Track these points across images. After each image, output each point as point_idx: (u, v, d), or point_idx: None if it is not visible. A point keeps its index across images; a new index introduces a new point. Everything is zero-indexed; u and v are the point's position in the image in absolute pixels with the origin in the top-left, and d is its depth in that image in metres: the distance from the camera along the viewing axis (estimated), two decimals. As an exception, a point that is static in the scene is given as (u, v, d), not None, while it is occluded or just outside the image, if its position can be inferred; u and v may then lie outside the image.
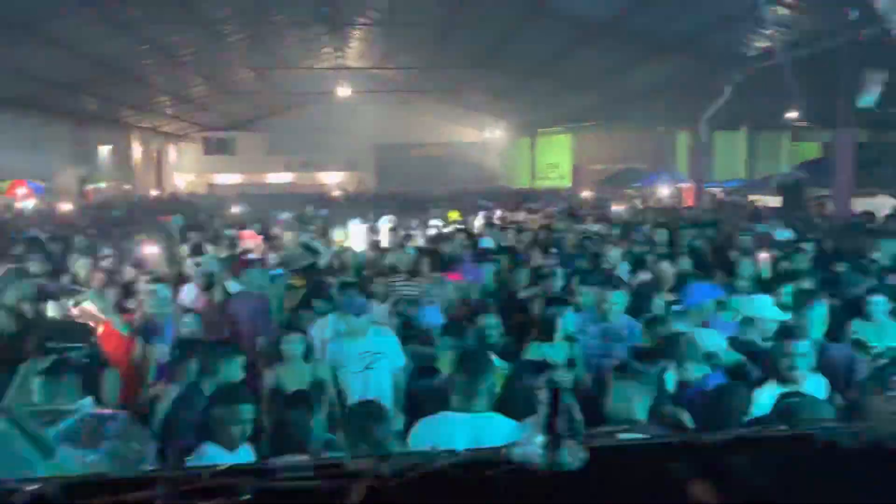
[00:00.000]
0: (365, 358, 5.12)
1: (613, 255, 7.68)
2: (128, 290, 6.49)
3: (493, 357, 4.78)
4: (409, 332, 5.89)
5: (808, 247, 8.15)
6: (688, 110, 21.87)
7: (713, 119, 21.20)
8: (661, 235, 9.12)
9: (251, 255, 8.00)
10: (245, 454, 3.29)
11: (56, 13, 16.00)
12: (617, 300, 5.50)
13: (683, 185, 23.81)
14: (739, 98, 20.13)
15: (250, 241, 10.47)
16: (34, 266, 7.53)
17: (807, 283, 6.00)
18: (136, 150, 33.88)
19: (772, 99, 22.62)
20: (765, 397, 3.39)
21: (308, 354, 5.19)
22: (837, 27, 14.05)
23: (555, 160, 37.68)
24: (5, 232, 12.06)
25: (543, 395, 1.00)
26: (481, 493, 0.98)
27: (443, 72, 27.77)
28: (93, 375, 4.40)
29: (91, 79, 22.07)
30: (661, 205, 21.05)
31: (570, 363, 5.12)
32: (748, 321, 5.61)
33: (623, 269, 7.01)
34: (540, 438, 0.99)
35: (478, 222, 13.80)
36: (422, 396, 4.23)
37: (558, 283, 6.65)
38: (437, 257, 8.19)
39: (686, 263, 7.31)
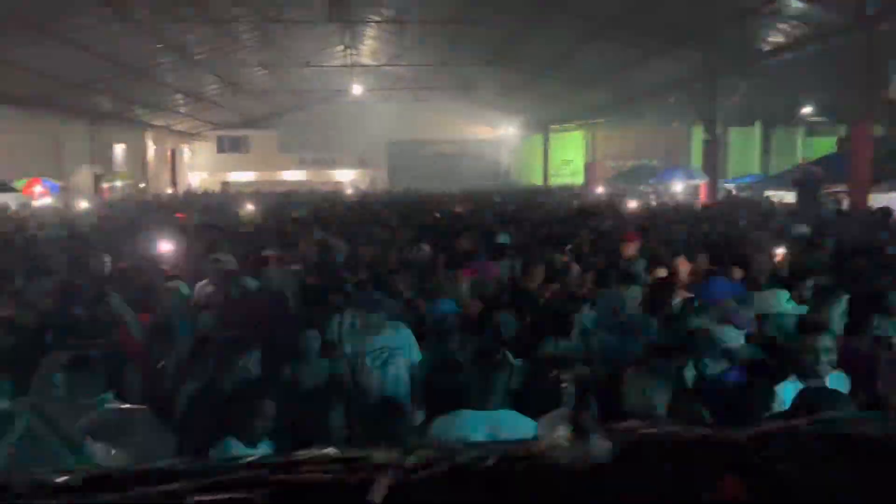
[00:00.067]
0: (381, 353, 5.12)
1: (630, 251, 7.64)
2: (146, 288, 6.52)
3: (509, 353, 4.78)
4: (424, 327, 5.88)
5: (828, 242, 8.08)
6: (702, 106, 21.73)
7: (727, 115, 21.07)
8: (677, 231, 9.07)
9: (268, 252, 8.02)
10: (265, 449, 3.31)
11: (72, 13, 16.12)
12: (633, 296, 5.48)
13: (698, 182, 23.66)
14: (754, 93, 20.01)
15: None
16: (55, 264, 7.60)
17: (827, 279, 5.95)
18: (151, 149, 34.11)
19: (787, 94, 22.49)
20: (786, 393, 3.36)
21: (325, 350, 5.21)
22: (853, 21, 13.90)
23: (568, 157, 37.60)
24: (25, 230, 12.18)
25: (570, 388, 1.00)
26: (507, 486, 0.98)
27: (455, 69, 27.75)
28: (113, 371, 4.44)
29: (106, 78, 22.25)
30: (676, 201, 20.92)
31: (587, 359, 5.10)
32: (766, 317, 5.57)
33: (639, 266, 6.97)
34: (566, 431, 0.98)
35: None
36: (442, 392, 4.22)
37: (574, 279, 6.63)
38: (452, 253, 8.18)
39: (702, 259, 7.27)
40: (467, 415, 3.66)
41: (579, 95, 28.99)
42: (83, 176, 26.33)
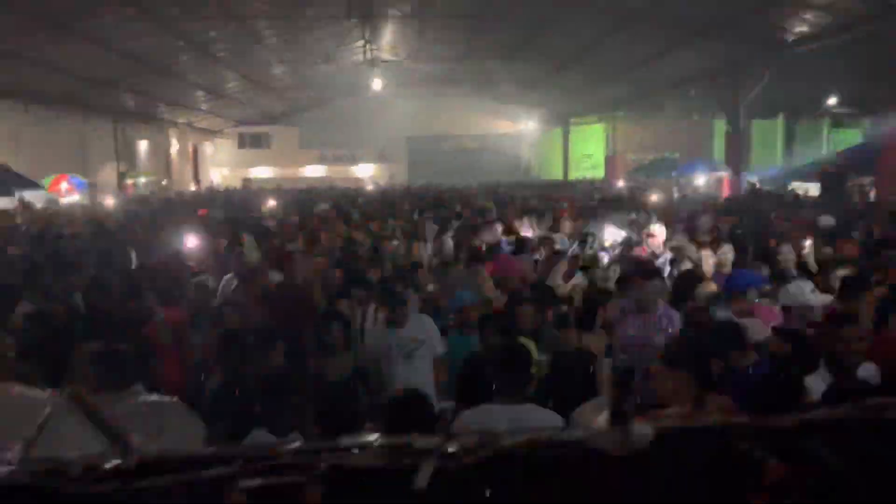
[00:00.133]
0: (406, 346, 5.15)
1: (654, 244, 7.60)
2: (173, 282, 6.60)
3: (533, 348, 4.79)
4: (447, 319, 5.91)
5: (856, 234, 7.98)
6: (724, 98, 21.50)
7: (750, 106, 20.81)
8: (702, 224, 9.01)
9: (291, 247, 8.09)
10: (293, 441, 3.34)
11: (97, 12, 16.31)
12: (657, 290, 5.44)
13: (720, 174, 23.43)
14: (777, 84, 19.74)
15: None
16: (83, 259, 7.72)
17: (854, 270, 5.88)
18: (174, 146, 34.45)
19: (811, 85, 22.17)
20: (816, 385, 3.33)
21: (349, 344, 5.25)
22: (881, 10, 13.67)
23: (588, 150, 37.40)
24: (53, 226, 12.37)
25: (611, 376, 1.00)
26: (548, 472, 0.99)
27: (475, 63, 27.67)
28: (142, 364, 4.51)
29: (130, 76, 22.49)
30: (698, 193, 20.75)
31: (610, 352, 5.10)
32: (792, 309, 5.53)
33: (664, 258, 6.94)
34: (606, 418, 0.99)
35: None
36: (467, 385, 4.24)
37: (599, 273, 6.61)
38: (475, 248, 8.19)
39: (727, 251, 7.21)
40: (491, 409, 3.67)
41: (600, 88, 28.80)
42: (108, 173, 26.69)
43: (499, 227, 10.61)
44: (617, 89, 27.94)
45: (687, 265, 6.82)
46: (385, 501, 0.97)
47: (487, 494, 0.96)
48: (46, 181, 20.35)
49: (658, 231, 7.88)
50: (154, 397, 3.46)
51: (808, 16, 16.03)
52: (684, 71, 22.45)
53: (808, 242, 7.49)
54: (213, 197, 24.82)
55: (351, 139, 39.53)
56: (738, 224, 9.76)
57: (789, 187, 20.13)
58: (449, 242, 8.63)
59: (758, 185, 21.59)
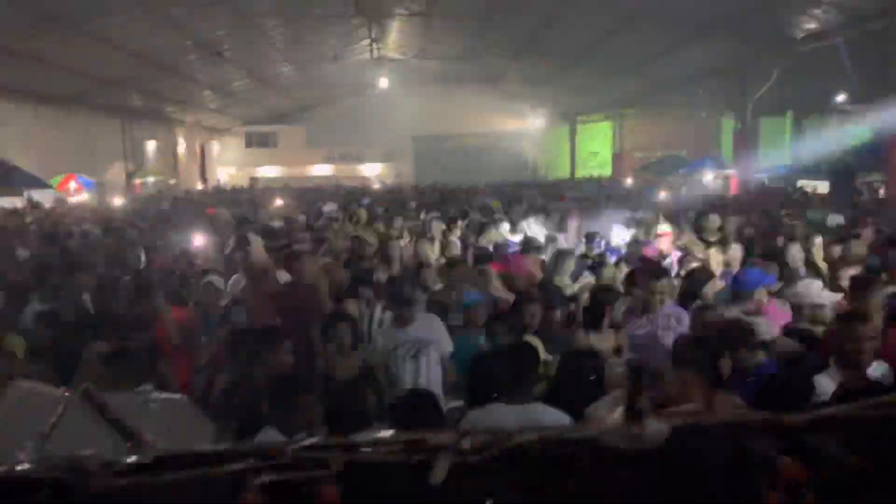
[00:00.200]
0: (414, 346, 5.15)
1: (663, 244, 7.59)
2: (181, 282, 6.64)
3: (540, 347, 4.79)
4: (455, 319, 5.91)
5: (865, 231, 7.95)
6: (732, 95, 21.43)
7: (758, 104, 20.75)
8: (710, 222, 8.99)
9: (299, 246, 8.10)
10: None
11: (105, 12, 16.37)
12: (664, 289, 5.44)
13: (728, 172, 23.36)
14: (785, 81, 19.66)
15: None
16: (92, 259, 7.76)
17: (864, 268, 5.86)
18: (181, 145, 34.56)
19: (819, 82, 22.06)
20: (826, 383, 3.32)
21: (357, 343, 5.26)
22: (890, 6, 13.60)
23: (595, 148, 37.34)
24: (60, 226, 12.42)
25: (626, 372, 1.01)
26: (563, 469, 0.99)
27: (482, 61, 27.64)
28: (151, 363, 4.54)
29: (137, 75, 22.57)
30: (706, 192, 20.67)
31: (618, 351, 5.09)
32: (801, 308, 5.51)
33: (672, 257, 6.93)
34: (621, 415, 0.99)
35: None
36: (475, 384, 4.24)
37: (607, 272, 6.61)
38: (482, 247, 8.19)
39: (736, 250, 7.19)
40: (499, 408, 3.67)
41: (607, 86, 28.73)
42: (116, 172, 26.79)
43: (506, 226, 10.61)
44: (624, 87, 27.88)
45: (695, 264, 6.81)
46: (400, 497, 0.97)
47: (500, 491, 0.97)
48: (55, 181, 20.42)
49: (666, 230, 7.87)
50: (163, 396, 3.47)
51: (817, 12, 15.96)
52: (692, 68, 22.39)
53: (817, 241, 7.47)
54: (220, 196, 24.88)
55: (357, 138, 39.54)
56: (746, 222, 9.73)
57: (798, 185, 20.05)
58: (456, 242, 8.63)
59: (766, 183, 21.51)
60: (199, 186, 33.78)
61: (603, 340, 5.19)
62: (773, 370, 4.09)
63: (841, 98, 23.72)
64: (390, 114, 37.43)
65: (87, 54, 18.64)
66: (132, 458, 0.95)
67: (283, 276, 6.79)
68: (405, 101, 36.91)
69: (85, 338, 4.97)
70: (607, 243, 8.68)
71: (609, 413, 1.03)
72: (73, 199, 20.18)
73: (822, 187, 18.02)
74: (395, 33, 25.59)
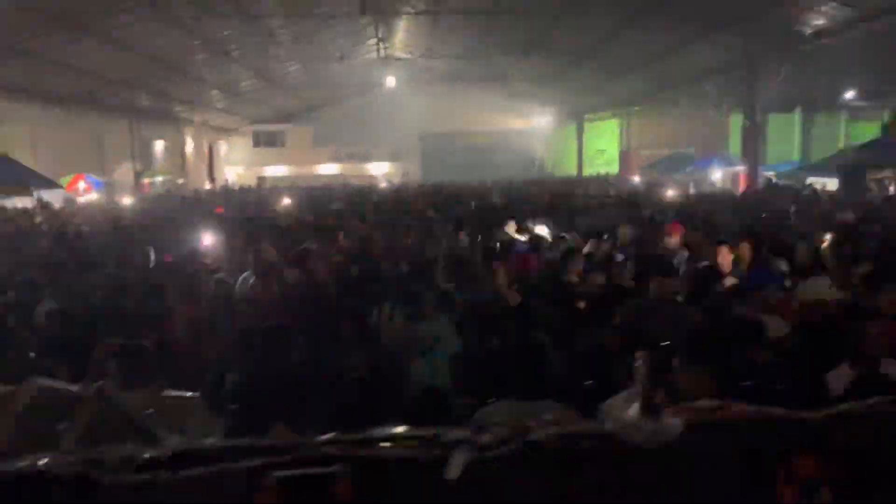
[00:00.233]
0: (422, 344, 5.16)
1: (672, 242, 7.56)
2: (191, 280, 6.66)
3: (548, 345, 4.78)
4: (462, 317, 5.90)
5: (875, 228, 7.90)
6: (740, 92, 21.33)
7: (766, 101, 20.65)
8: (719, 220, 8.96)
9: (307, 245, 8.12)
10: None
11: (113, 12, 16.45)
12: (674, 286, 5.43)
13: (736, 169, 23.27)
14: (794, 78, 19.57)
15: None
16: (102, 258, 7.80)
17: (875, 266, 5.83)
18: (189, 145, 34.67)
19: (828, 78, 21.96)
20: (837, 382, 3.31)
21: (366, 341, 5.25)
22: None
23: (602, 146, 37.27)
24: (70, 226, 12.48)
25: (642, 369, 1.01)
26: (578, 463, 0.99)
27: (488, 60, 27.62)
28: (162, 361, 4.56)
29: (146, 75, 22.66)
30: (715, 189, 20.61)
31: (627, 349, 5.07)
32: (811, 305, 5.47)
33: (682, 257, 6.92)
34: (637, 411, 0.99)
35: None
36: (483, 382, 4.24)
37: (617, 269, 6.59)
38: (490, 245, 8.19)
39: (744, 248, 7.16)
40: (508, 405, 3.67)
41: (614, 84, 28.66)
42: (124, 172, 26.92)
43: (513, 225, 10.60)
44: (632, 84, 27.80)
45: (704, 262, 6.78)
46: (416, 491, 0.98)
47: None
48: (64, 181, 20.54)
49: (674, 228, 7.84)
50: (175, 393, 3.49)
51: (826, 8, 15.87)
52: (700, 65, 22.31)
53: (826, 238, 7.43)
54: (229, 195, 24.95)
55: (365, 137, 39.59)
56: (755, 220, 9.69)
57: (807, 182, 19.96)
58: (464, 240, 8.63)
59: (774, 180, 21.42)
60: (207, 186, 33.88)
61: (611, 338, 5.17)
62: (783, 368, 4.07)
63: (850, 94, 23.63)
64: (397, 113, 37.45)
65: (96, 55, 18.74)
66: (151, 454, 0.96)
67: (293, 274, 6.82)
68: (412, 101, 36.91)
69: (96, 336, 5.00)
70: (615, 241, 8.66)
71: (625, 409, 1.03)
72: (83, 199, 20.28)
73: (832, 184, 17.91)
74: (402, 32, 25.60)
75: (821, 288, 5.63)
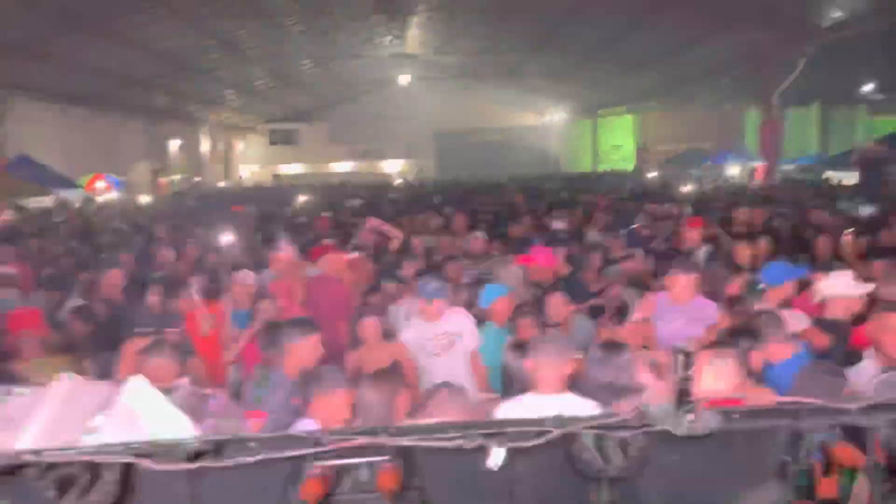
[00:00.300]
0: (441, 340, 5.18)
1: (692, 237, 7.53)
2: (211, 278, 6.72)
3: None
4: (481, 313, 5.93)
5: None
6: (757, 86, 21.17)
7: (784, 94, 20.48)
8: (738, 215, 8.92)
9: (326, 242, 8.16)
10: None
11: (129, 13, 16.59)
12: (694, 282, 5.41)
13: (753, 164, 23.10)
14: (812, 72, 19.39)
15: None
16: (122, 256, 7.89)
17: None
18: (205, 143, 34.90)
19: (847, 72, 21.73)
20: (863, 375, 3.30)
21: (385, 337, 5.29)
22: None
23: (617, 142, 37.12)
24: (91, 225, 12.64)
25: (677, 361, 1.02)
26: (616, 454, 1.01)
27: (502, 56, 27.60)
28: (184, 358, 4.62)
29: (161, 75, 22.84)
30: (733, 184, 20.48)
31: (645, 344, 5.07)
32: (831, 299, 5.44)
33: (703, 252, 6.90)
34: (673, 402, 1.01)
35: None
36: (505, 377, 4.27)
37: (633, 265, 6.59)
38: (507, 240, 8.20)
39: (764, 243, 7.13)
40: (532, 398, 3.69)
41: (629, 79, 28.52)
42: (141, 171, 27.16)
43: (528, 221, 10.60)
44: (647, 79, 27.65)
45: (723, 257, 6.76)
46: (457, 481, 1.00)
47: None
48: (83, 180, 20.74)
49: (695, 222, 7.82)
50: (199, 389, 3.54)
51: (844, 0, 15.71)
52: (716, 59, 22.15)
53: (846, 232, 7.38)
54: (246, 193, 25.11)
55: (379, 134, 39.68)
56: (774, 214, 9.63)
57: (825, 176, 19.79)
58: (481, 236, 8.64)
59: (792, 175, 21.26)
60: (224, 184, 34.11)
61: (631, 333, 5.17)
62: (804, 362, 4.06)
63: (869, 87, 23.37)
64: (412, 110, 37.51)
65: (112, 55, 18.92)
66: (198, 443, 0.99)
67: (311, 271, 6.86)
68: (426, 97, 36.94)
69: (119, 332, 5.08)
70: (634, 236, 8.64)
71: (660, 401, 1.04)
72: (102, 198, 20.48)
73: (851, 179, 17.74)
74: (416, 29, 25.62)
75: (841, 282, 5.58)
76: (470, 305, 5.92)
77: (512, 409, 3.67)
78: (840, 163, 19.47)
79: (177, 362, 3.90)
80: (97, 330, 5.49)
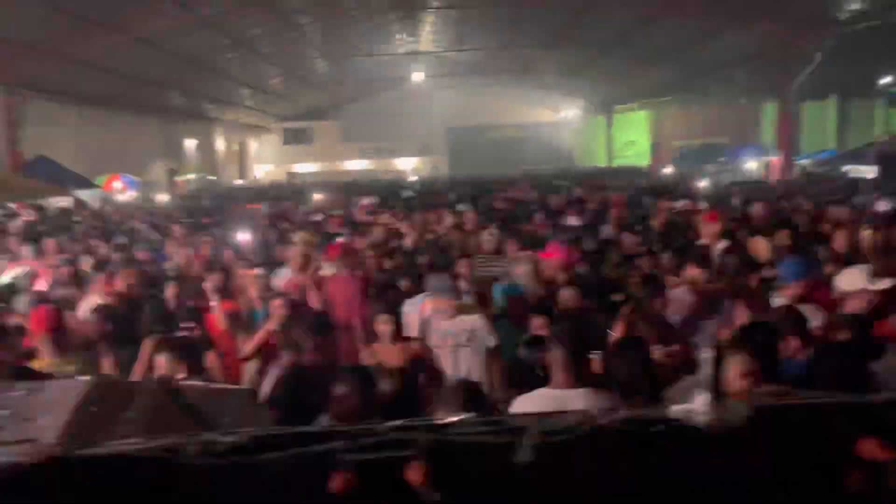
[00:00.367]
0: (455, 337, 5.18)
1: (710, 231, 7.50)
2: (227, 276, 6.77)
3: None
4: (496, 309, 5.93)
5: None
6: (773, 80, 20.99)
7: (800, 88, 20.29)
8: (756, 210, 8.86)
9: (340, 239, 8.20)
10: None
11: (144, 12, 16.72)
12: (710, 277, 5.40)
13: (770, 159, 22.91)
14: (829, 65, 19.20)
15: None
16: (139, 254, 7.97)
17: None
18: (219, 143, 35.11)
19: (864, 64, 21.50)
20: (886, 370, 3.27)
21: (398, 335, 5.30)
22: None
23: (632, 137, 36.94)
24: (109, 224, 12.76)
25: (707, 355, 1.02)
26: (644, 449, 1.01)
27: (515, 52, 27.54)
28: (203, 355, 4.67)
29: (176, 75, 22.99)
30: (748, 179, 20.33)
31: (663, 340, 5.06)
32: (850, 294, 5.40)
33: (720, 247, 6.87)
34: (703, 396, 1.01)
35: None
36: (520, 373, 4.27)
37: (652, 261, 6.57)
38: (522, 236, 8.19)
39: (782, 237, 7.08)
40: (546, 394, 3.69)
41: (643, 74, 28.37)
42: (157, 171, 27.39)
43: (542, 218, 10.58)
44: (662, 74, 27.49)
45: (740, 252, 6.72)
46: (485, 475, 1.01)
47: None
48: (100, 180, 20.94)
49: (712, 217, 7.78)
50: (220, 385, 3.57)
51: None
52: (732, 53, 21.98)
53: (866, 227, 7.32)
54: (261, 192, 25.24)
55: (392, 132, 39.75)
56: (792, 209, 9.57)
57: (843, 170, 19.58)
58: (495, 232, 8.63)
59: (809, 169, 21.06)
60: (238, 183, 34.31)
61: (648, 328, 5.16)
62: (823, 357, 4.03)
63: (887, 80, 23.10)
64: (425, 107, 37.54)
65: (128, 55, 19.07)
66: (232, 439, 1.00)
67: (327, 269, 6.89)
68: (439, 94, 36.96)
69: (138, 329, 5.13)
70: (649, 232, 8.61)
71: (689, 395, 1.05)
72: (120, 198, 20.69)
73: (869, 173, 17.54)
74: (429, 26, 25.62)
75: (860, 277, 5.54)
76: (485, 303, 5.93)
77: (529, 404, 3.67)
78: (858, 157, 19.26)
79: (196, 359, 3.95)
80: (118, 327, 5.54)
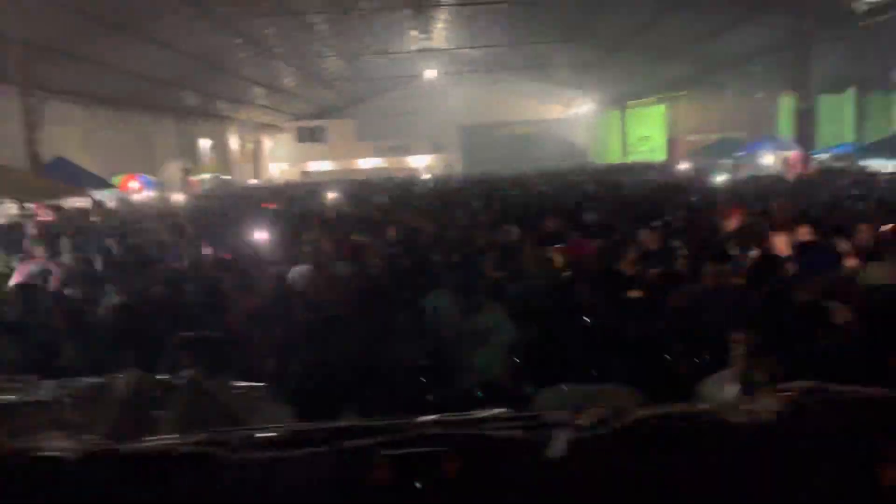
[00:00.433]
0: (475, 334, 5.18)
1: (731, 226, 7.46)
2: (246, 273, 6.80)
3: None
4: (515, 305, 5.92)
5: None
6: (790, 73, 20.78)
7: (818, 81, 20.08)
8: (776, 204, 8.78)
9: (357, 237, 8.23)
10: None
11: (159, 13, 16.84)
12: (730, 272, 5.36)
13: (787, 153, 22.68)
14: (847, 57, 18.99)
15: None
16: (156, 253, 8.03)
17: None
18: (234, 142, 35.28)
19: (883, 57, 21.23)
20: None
21: (420, 332, 5.30)
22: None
23: (647, 133, 36.72)
24: (127, 224, 12.86)
25: (740, 349, 1.02)
26: (678, 443, 1.01)
27: (528, 48, 27.46)
28: (225, 353, 4.68)
29: (190, 75, 23.13)
30: (769, 173, 20.15)
31: (683, 336, 5.03)
32: (872, 289, 5.35)
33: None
34: (736, 390, 1.00)
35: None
36: (541, 368, 4.26)
37: (670, 257, 6.53)
38: (539, 234, 8.17)
39: (802, 232, 7.02)
40: (568, 389, 3.68)
41: (658, 68, 28.19)
42: (172, 170, 27.59)
43: (559, 215, 10.54)
44: (677, 68, 27.30)
45: (762, 247, 6.67)
46: (518, 470, 1.01)
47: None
48: (116, 180, 21.12)
49: (732, 212, 7.73)
50: (243, 384, 3.58)
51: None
52: (747, 46, 21.79)
53: (887, 221, 7.23)
54: (277, 191, 25.35)
55: (406, 130, 39.78)
56: (812, 204, 9.48)
57: (861, 164, 19.36)
58: (514, 229, 8.62)
59: (828, 163, 20.84)
60: (253, 182, 34.47)
61: (667, 324, 5.13)
62: (849, 352, 3.99)
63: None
64: (438, 104, 37.53)
65: (143, 56, 19.22)
66: (271, 434, 1.01)
67: (344, 267, 6.91)
68: (453, 91, 36.92)
69: (159, 329, 5.16)
70: (670, 226, 8.55)
71: (720, 390, 1.04)
72: (136, 198, 20.86)
73: (889, 167, 17.35)
74: (442, 23, 25.60)
75: (883, 272, 5.48)
76: (500, 299, 5.92)
77: (549, 398, 3.66)
78: (877, 150, 19.03)
79: (219, 357, 3.96)
80: (139, 326, 5.57)
